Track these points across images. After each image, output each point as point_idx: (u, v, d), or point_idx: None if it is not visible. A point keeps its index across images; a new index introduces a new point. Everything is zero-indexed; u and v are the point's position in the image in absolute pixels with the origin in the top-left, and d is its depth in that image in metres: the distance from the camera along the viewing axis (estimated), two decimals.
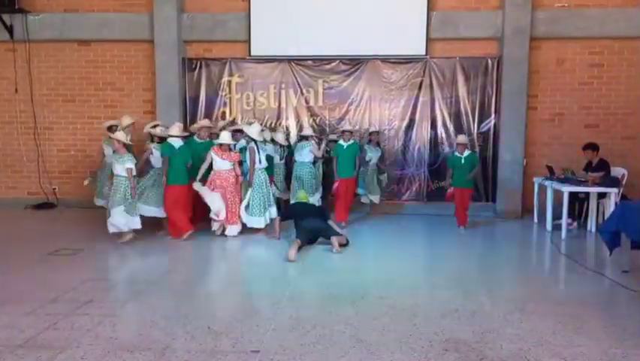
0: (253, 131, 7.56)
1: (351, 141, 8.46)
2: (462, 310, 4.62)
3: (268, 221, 7.58)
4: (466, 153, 8.10)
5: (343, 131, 8.59)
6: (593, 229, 8.00)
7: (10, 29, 9.87)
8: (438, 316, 4.48)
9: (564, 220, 7.63)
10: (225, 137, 7.37)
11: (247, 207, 7.43)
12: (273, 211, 7.66)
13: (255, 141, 7.51)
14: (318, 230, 6.94)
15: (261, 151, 7.51)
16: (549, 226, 8.06)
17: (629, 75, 9.34)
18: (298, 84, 9.81)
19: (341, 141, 8.46)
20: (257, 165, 7.44)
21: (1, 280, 5.50)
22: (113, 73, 10.08)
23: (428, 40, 9.40)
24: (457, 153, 8.12)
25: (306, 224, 6.92)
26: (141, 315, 4.49)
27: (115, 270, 6.23)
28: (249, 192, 7.41)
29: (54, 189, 10.32)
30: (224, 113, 9.90)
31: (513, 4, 9.11)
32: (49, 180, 10.32)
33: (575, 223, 8.36)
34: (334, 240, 6.70)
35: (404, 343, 3.91)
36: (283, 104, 9.88)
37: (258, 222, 7.48)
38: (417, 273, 6.00)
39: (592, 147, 8.51)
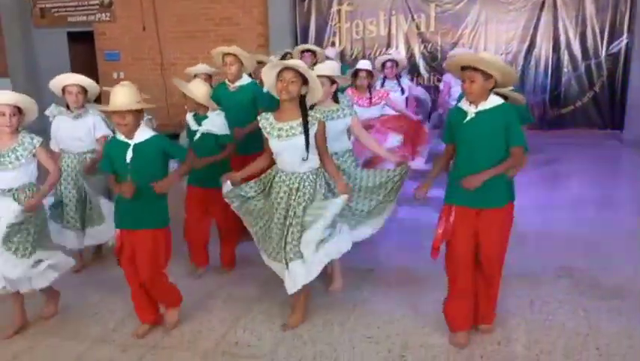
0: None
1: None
2: (580, 239, 4.54)
3: None
4: (494, 101, 2.95)
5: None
6: None
7: None
8: (553, 244, 4.45)
9: None
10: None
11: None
12: None
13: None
14: None
15: None
16: None
17: None
18: (409, 9, 9.49)
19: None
20: None
21: None
22: (229, 8, 10.43)
23: None
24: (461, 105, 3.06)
25: None
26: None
27: None
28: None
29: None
30: (333, 43, 9.92)
31: None
32: (175, 113, 11.13)
33: None
34: None
35: (516, 266, 3.96)
36: (393, 31, 9.66)
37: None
38: (535, 199, 5.74)
39: None
